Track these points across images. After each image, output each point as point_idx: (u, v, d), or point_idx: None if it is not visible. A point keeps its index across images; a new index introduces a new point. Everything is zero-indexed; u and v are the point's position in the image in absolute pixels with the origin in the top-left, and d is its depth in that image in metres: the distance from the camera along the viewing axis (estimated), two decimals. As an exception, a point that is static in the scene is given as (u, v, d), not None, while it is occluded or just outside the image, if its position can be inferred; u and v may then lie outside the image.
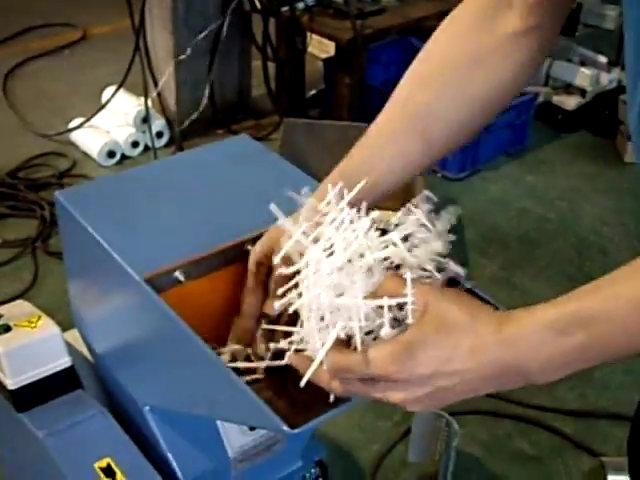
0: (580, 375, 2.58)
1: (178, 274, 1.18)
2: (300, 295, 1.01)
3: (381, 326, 0.97)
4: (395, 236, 1.03)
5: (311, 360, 0.98)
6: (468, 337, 0.94)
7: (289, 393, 1.08)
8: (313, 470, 1.56)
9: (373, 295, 0.98)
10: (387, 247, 1.03)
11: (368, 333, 0.99)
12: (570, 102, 4.20)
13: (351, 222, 1.04)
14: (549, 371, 0.93)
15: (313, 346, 0.99)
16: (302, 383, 0.97)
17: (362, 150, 1.19)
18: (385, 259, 1.03)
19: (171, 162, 1.49)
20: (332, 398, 1.01)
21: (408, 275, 0.97)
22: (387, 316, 0.97)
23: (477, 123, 1.21)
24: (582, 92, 4.22)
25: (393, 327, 0.97)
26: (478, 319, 0.95)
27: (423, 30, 4.22)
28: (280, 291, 1.05)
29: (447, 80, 1.17)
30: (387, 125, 1.19)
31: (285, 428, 0.95)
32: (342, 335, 0.96)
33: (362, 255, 1.01)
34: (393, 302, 0.96)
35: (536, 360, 0.92)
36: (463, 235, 3.43)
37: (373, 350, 0.95)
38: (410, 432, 2.36)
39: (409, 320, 0.96)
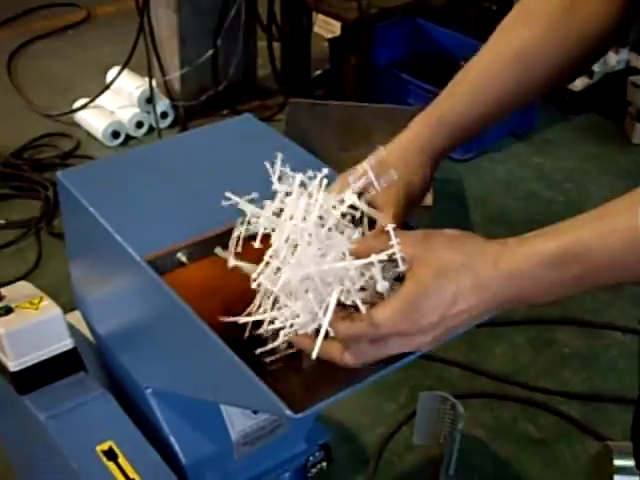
0: (586, 359, 2.57)
1: (180, 255, 1.16)
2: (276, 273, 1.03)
3: (371, 283, 0.99)
4: (349, 195, 1.07)
5: (312, 337, 0.99)
6: (468, 276, 0.97)
7: (297, 374, 1.07)
8: (317, 453, 1.55)
9: (357, 254, 1.00)
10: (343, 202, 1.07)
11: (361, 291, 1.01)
12: (578, 83, 4.16)
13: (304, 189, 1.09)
14: (549, 297, 0.98)
15: (304, 322, 1.00)
16: (313, 356, 0.97)
17: (456, 88, 1.22)
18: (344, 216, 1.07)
19: (174, 142, 1.47)
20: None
21: (390, 227, 0.99)
22: (379, 271, 0.98)
23: (574, 68, 1.24)
24: (590, 73, 4.18)
25: (385, 279, 0.99)
26: (473, 256, 0.98)
27: (429, 10, 4.20)
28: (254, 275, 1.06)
29: (551, 19, 1.19)
30: (492, 63, 1.21)
31: (288, 412, 0.94)
32: (342, 298, 0.98)
33: (324, 216, 1.04)
34: (383, 256, 0.98)
35: (536, 291, 0.97)
36: (469, 217, 3.42)
37: (378, 311, 0.97)
38: (415, 415, 2.35)
39: (401, 268, 0.97)
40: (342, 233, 1.05)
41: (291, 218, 1.05)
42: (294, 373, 1.08)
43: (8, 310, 1.41)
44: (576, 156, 3.89)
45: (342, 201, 1.07)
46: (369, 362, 1.02)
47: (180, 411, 1.34)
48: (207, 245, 1.17)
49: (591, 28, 1.19)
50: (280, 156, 1.15)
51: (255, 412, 1.37)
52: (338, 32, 4.03)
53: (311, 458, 1.55)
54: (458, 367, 2.65)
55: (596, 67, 4.13)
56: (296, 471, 1.55)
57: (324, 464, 1.57)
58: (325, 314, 0.97)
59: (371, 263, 0.98)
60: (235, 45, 3.96)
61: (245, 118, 1.51)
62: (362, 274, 0.99)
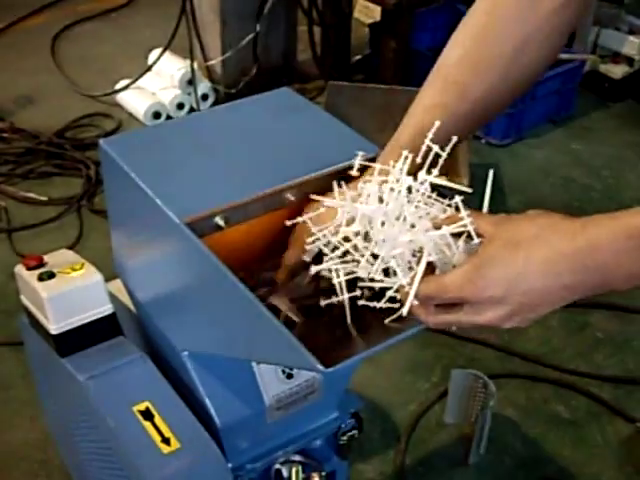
0: (619, 343, 2.58)
1: (218, 219, 1.19)
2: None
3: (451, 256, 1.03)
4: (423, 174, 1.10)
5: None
6: (540, 248, 0.94)
7: (329, 331, 1.10)
8: (348, 421, 1.57)
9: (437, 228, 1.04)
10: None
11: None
12: (617, 71, 4.15)
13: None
14: (632, 279, 0.93)
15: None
16: (404, 313, 1.01)
17: (415, 125, 1.20)
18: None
19: (215, 112, 1.49)
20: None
21: (459, 199, 1.05)
22: (452, 244, 1.02)
23: (518, 97, 1.27)
24: (630, 61, 4.17)
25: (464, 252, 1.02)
26: (547, 229, 0.95)
27: (470, -4, 4.20)
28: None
29: (499, 70, 1.19)
30: (442, 107, 1.19)
31: (319, 367, 0.96)
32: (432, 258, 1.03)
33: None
34: (452, 228, 1.02)
35: (619, 269, 0.92)
36: (505, 203, 3.42)
37: (448, 275, 0.99)
38: (447, 394, 2.37)
39: (475, 241, 1.00)
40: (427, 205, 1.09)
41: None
42: (327, 331, 1.11)
43: (50, 275, 1.44)
44: (614, 143, 3.88)
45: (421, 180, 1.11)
46: (445, 326, 1.04)
47: (216, 375, 1.37)
48: (244, 210, 1.20)
49: (538, 64, 1.22)
50: (361, 153, 1.20)
51: (289, 377, 1.40)
52: (378, 18, 4.05)
53: (343, 426, 1.57)
54: (491, 348, 2.66)
55: (636, 55, 4.12)
56: (327, 438, 1.57)
57: (355, 432, 1.59)
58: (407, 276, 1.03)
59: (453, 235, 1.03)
60: (276, 29, 4.00)
61: (284, 91, 1.53)
62: (444, 248, 1.03)
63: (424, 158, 1.14)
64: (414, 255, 1.06)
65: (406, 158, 1.12)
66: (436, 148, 1.13)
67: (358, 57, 4.33)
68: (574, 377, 2.59)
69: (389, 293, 1.06)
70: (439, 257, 1.03)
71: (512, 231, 0.97)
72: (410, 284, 1.02)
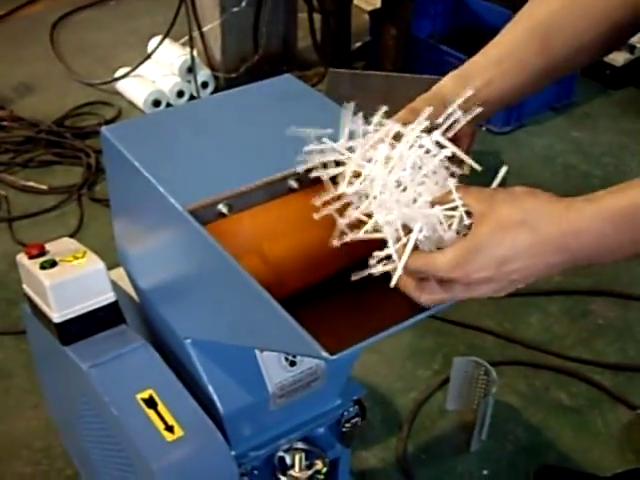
0: (620, 330, 2.57)
1: (221, 207, 1.18)
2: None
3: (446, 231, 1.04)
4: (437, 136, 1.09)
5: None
6: (525, 234, 0.98)
7: (333, 318, 1.10)
8: (351, 409, 1.58)
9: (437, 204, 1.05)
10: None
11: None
12: (619, 58, 4.14)
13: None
14: (616, 255, 0.99)
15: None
16: (392, 284, 1.04)
17: (483, 51, 1.21)
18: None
19: (217, 99, 1.49)
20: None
21: (451, 183, 1.05)
22: (444, 222, 1.03)
23: (600, 46, 1.21)
24: (631, 48, 4.15)
25: (459, 232, 1.04)
26: (533, 214, 0.98)
27: (471, -18, 4.19)
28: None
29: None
30: (511, 30, 1.20)
31: (324, 354, 0.96)
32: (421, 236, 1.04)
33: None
34: (443, 209, 1.03)
35: (603, 250, 0.97)
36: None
37: (437, 255, 1.02)
38: (448, 381, 2.38)
39: (466, 221, 1.02)
40: (435, 173, 1.08)
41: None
42: (331, 318, 1.10)
43: (52, 263, 1.43)
44: (615, 131, 3.87)
45: (438, 145, 1.10)
46: (438, 303, 1.06)
47: (219, 362, 1.37)
48: (247, 197, 1.20)
49: (616, 9, 1.16)
50: (361, 114, 1.17)
51: (292, 364, 1.40)
52: (378, 4, 4.04)
53: (345, 413, 1.57)
54: (492, 335, 2.67)
55: (637, 42, 4.11)
56: (330, 425, 1.58)
57: (358, 419, 1.59)
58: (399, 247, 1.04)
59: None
60: (276, 16, 3.98)
61: (286, 78, 1.53)
62: (441, 223, 1.04)
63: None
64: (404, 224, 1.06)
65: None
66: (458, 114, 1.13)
67: (358, 44, 4.32)
68: (575, 364, 2.59)
69: (380, 255, 1.07)
70: (429, 234, 1.04)
71: (499, 214, 0.99)
72: (399, 253, 1.04)
